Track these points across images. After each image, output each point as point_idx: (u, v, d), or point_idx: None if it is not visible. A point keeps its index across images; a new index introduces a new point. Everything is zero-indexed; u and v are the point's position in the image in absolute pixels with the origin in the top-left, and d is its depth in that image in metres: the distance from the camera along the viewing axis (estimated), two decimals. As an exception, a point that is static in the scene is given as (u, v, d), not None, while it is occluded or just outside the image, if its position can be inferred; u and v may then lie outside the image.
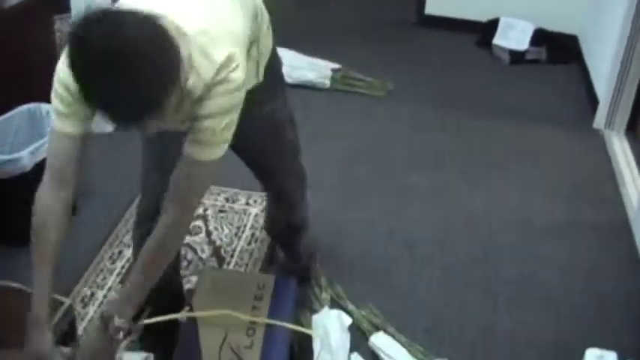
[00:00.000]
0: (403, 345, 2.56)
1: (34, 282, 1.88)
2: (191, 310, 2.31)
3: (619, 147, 4.06)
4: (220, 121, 1.79)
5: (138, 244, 2.29)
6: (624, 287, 3.05)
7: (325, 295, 2.76)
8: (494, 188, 3.70)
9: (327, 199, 3.41)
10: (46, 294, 1.88)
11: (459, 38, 5.39)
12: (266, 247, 3.14)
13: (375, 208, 3.47)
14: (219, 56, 1.75)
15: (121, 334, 1.88)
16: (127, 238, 3.17)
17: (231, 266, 3.03)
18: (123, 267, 3.02)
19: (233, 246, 3.13)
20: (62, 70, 1.75)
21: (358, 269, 3.06)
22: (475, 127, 4.26)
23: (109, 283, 2.92)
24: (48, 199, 1.92)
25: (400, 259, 2.89)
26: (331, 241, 3.18)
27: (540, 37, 5.29)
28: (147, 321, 2.46)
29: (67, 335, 2.20)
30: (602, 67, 4.44)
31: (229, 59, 1.76)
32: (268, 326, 2.28)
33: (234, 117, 1.83)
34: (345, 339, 2.46)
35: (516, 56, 5.26)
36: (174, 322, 2.31)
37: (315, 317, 2.49)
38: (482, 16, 5.47)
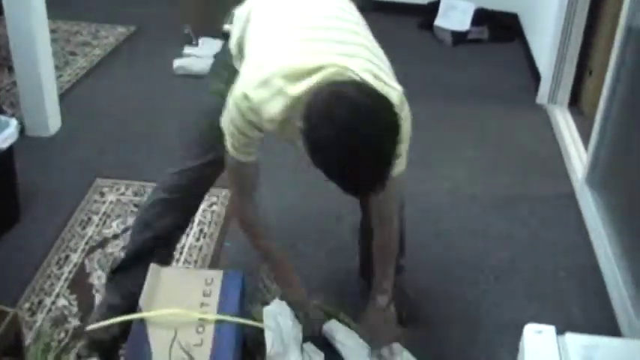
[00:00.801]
0: (356, 331, 2.55)
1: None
2: (139, 310, 2.28)
3: (563, 121, 4.10)
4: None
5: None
6: (572, 260, 3.08)
7: (275, 287, 2.74)
8: (442, 167, 3.72)
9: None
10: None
11: (400, 21, 5.40)
12: (214, 243, 3.11)
13: (325, 194, 3.43)
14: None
15: None
16: (73, 243, 3.12)
17: (180, 263, 2.99)
18: (70, 272, 2.97)
19: (181, 243, 3.09)
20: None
21: (307, 256, 3.05)
22: (420, 107, 4.18)
23: (57, 289, 2.87)
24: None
25: (350, 241, 2.87)
26: (283, 227, 3.16)
27: (481, 16, 5.33)
28: (94, 325, 2.46)
29: (13, 347, 2.16)
30: (543, 43, 4.48)
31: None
32: (218, 322, 2.26)
33: None
34: (297, 329, 2.44)
35: (459, 37, 5.29)
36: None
37: (267, 309, 2.47)
38: (423, -2, 5.50)
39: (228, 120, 2.03)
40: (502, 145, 3.95)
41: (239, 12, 2.32)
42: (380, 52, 2.15)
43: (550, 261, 3.06)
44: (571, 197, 3.48)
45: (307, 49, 1.99)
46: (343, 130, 1.69)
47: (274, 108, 1.92)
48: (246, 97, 1.93)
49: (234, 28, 2.32)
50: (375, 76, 1.94)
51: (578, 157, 3.68)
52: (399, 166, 2.08)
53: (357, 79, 1.86)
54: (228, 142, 2.09)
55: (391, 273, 2.38)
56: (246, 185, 2.25)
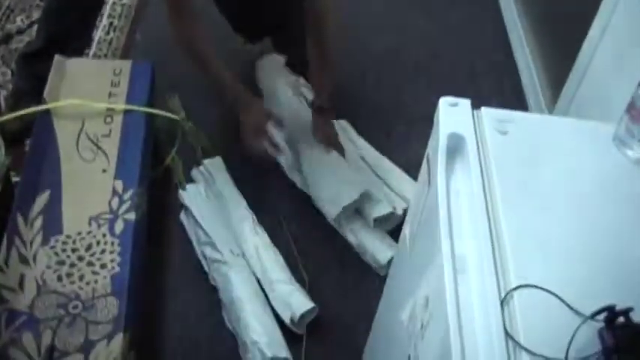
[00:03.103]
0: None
1: (223, 78, 2.29)
2: (44, 102, 2.18)
3: None
4: None
5: None
6: (491, 57, 3.05)
7: None
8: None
9: None
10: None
11: None
12: (125, 37, 2.98)
13: None
14: None
15: None
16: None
17: (89, 58, 2.86)
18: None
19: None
20: None
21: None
22: None
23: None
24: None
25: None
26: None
27: None
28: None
29: None
30: None
31: None
32: (127, 112, 2.18)
33: None
34: None
35: None
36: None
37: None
38: None
39: None
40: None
41: None
42: None
43: (468, 58, 3.03)
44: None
45: None
46: None
47: None
48: None
49: None
50: None
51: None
52: None
53: None
54: None
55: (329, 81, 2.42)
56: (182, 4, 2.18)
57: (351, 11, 3.17)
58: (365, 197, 2.26)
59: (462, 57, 3.04)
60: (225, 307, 2.10)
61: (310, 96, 2.56)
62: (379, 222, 2.27)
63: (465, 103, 1.32)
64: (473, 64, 3.00)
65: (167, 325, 2.10)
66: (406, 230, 1.48)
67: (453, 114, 1.29)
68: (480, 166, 1.21)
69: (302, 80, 2.65)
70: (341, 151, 2.43)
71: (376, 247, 2.24)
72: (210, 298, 2.15)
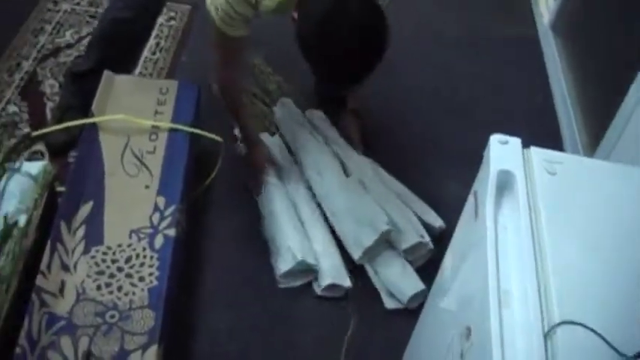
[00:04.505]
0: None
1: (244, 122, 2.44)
2: (91, 115, 2.23)
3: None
4: None
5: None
6: (530, 102, 3.08)
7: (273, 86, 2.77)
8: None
9: None
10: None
11: None
12: (171, 57, 3.03)
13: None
14: None
15: None
16: (25, 50, 3.02)
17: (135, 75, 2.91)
18: (21, 79, 2.88)
19: (137, 56, 3.02)
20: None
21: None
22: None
23: (8, 96, 2.80)
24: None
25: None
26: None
27: None
28: (46, 129, 2.41)
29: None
30: None
31: None
32: (171, 131, 2.22)
33: None
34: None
35: None
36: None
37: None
38: None
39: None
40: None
41: None
42: None
43: (508, 100, 3.05)
44: (534, 41, 3.43)
45: None
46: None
47: None
48: None
49: None
50: None
51: (545, 2, 3.62)
52: None
53: None
54: (217, 17, 1.99)
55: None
56: (233, 57, 2.21)
57: (398, 47, 3.20)
58: (391, 229, 2.26)
59: (502, 99, 3.06)
60: (264, 219, 2.37)
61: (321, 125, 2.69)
62: (408, 252, 2.28)
63: (516, 141, 1.35)
64: (512, 107, 3.02)
65: (197, 340, 2.12)
66: (447, 262, 1.50)
67: (503, 151, 1.32)
68: (529, 204, 1.24)
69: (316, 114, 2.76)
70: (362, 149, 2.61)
71: (401, 284, 2.24)
72: (240, 316, 2.18)
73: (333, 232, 2.34)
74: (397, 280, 2.24)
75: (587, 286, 1.13)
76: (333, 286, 2.22)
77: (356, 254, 2.25)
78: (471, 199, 1.39)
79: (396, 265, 2.27)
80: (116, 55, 2.50)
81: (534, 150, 1.34)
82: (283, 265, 2.23)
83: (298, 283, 2.27)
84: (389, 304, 2.25)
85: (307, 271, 2.25)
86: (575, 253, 1.18)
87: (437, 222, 2.41)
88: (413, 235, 2.28)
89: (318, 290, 2.24)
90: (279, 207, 2.36)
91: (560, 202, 1.26)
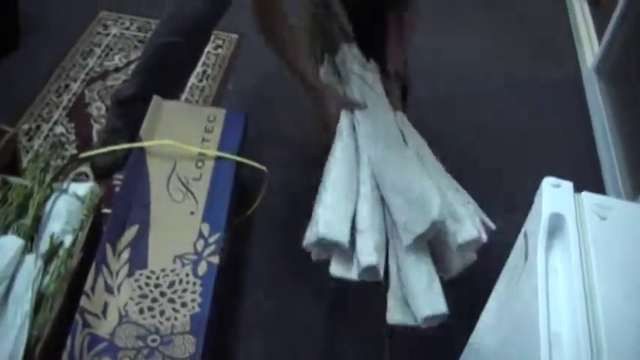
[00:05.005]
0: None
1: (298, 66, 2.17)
2: (139, 140, 2.26)
3: (579, 10, 4.01)
4: None
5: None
6: (572, 144, 3.08)
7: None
8: (456, 41, 3.64)
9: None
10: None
11: None
12: (217, 86, 3.07)
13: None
14: None
15: None
16: (74, 72, 3.08)
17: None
18: (69, 101, 2.94)
19: (184, 82, 3.06)
20: None
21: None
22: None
23: (55, 117, 2.85)
24: None
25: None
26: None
27: None
28: (92, 152, 2.45)
29: (10, 165, 2.13)
30: None
31: None
32: (218, 159, 2.24)
33: None
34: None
35: None
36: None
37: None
38: None
39: None
40: (519, 25, 3.87)
41: None
42: None
43: (550, 143, 3.05)
44: (578, 85, 3.44)
45: None
46: None
47: None
48: None
49: None
50: None
51: (590, 45, 3.63)
52: None
53: None
54: None
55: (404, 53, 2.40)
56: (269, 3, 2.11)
57: (443, 87, 3.24)
58: (446, 218, 1.87)
59: (544, 141, 3.06)
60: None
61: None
62: (462, 247, 1.88)
63: (568, 185, 1.35)
64: (553, 150, 3.02)
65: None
66: (493, 302, 1.50)
67: (555, 194, 1.32)
68: (579, 247, 1.24)
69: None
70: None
71: (422, 298, 1.82)
72: (277, 346, 2.19)
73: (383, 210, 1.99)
74: (419, 291, 1.83)
75: (637, 332, 1.13)
76: (370, 269, 1.86)
77: (406, 239, 1.87)
78: (520, 239, 1.39)
79: (424, 272, 1.86)
80: (160, 81, 2.52)
81: (585, 194, 1.35)
82: (309, 234, 1.92)
83: (327, 256, 1.94)
84: (395, 315, 1.87)
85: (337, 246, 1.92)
86: (624, 299, 1.18)
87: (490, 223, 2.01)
88: (471, 227, 1.88)
89: (355, 274, 1.89)
90: (336, 174, 2.00)
91: (610, 247, 1.26)
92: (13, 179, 2.02)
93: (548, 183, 1.35)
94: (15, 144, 2.22)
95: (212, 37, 3.03)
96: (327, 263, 1.90)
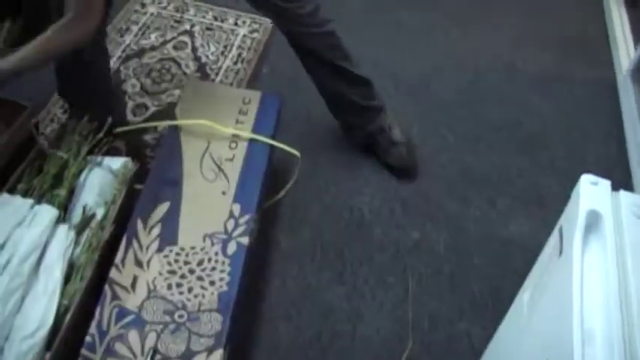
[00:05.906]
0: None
1: None
2: (175, 117, 2.27)
3: (616, 13, 3.98)
4: None
5: None
6: (603, 148, 3.05)
7: None
8: (484, 33, 3.62)
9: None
10: None
11: None
12: (252, 69, 3.08)
13: (364, 39, 3.38)
14: None
15: None
16: (110, 49, 3.08)
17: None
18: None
19: (219, 64, 3.07)
20: None
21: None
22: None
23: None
24: None
25: (384, 90, 2.83)
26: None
27: None
28: (129, 127, 2.46)
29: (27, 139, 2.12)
30: None
31: None
32: (252, 141, 2.25)
33: None
34: None
35: None
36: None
37: None
38: None
39: None
40: (550, 20, 3.82)
41: None
42: None
43: (580, 144, 3.03)
44: (612, 87, 3.41)
45: None
46: None
47: None
48: None
49: None
50: None
51: (625, 48, 3.59)
52: None
53: None
54: None
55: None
56: None
57: (472, 81, 3.23)
58: None
59: (573, 141, 3.04)
60: None
61: None
62: None
63: (605, 183, 1.35)
64: (583, 151, 3.00)
65: (257, 350, 2.14)
66: (524, 295, 1.50)
67: (593, 192, 1.32)
68: (615, 245, 1.24)
69: None
70: None
71: None
72: (300, 330, 2.20)
73: None
74: None
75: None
76: None
77: None
78: (555, 235, 1.39)
79: None
80: None
81: (623, 193, 1.35)
82: None
83: None
84: None
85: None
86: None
87: None
88: None
89: None
90: None
91: (646, 246, 1.26)
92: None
93: (586, 180, 1.34)
94: (32, 120, 2.19)
95: (248, 22, 3.05)
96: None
